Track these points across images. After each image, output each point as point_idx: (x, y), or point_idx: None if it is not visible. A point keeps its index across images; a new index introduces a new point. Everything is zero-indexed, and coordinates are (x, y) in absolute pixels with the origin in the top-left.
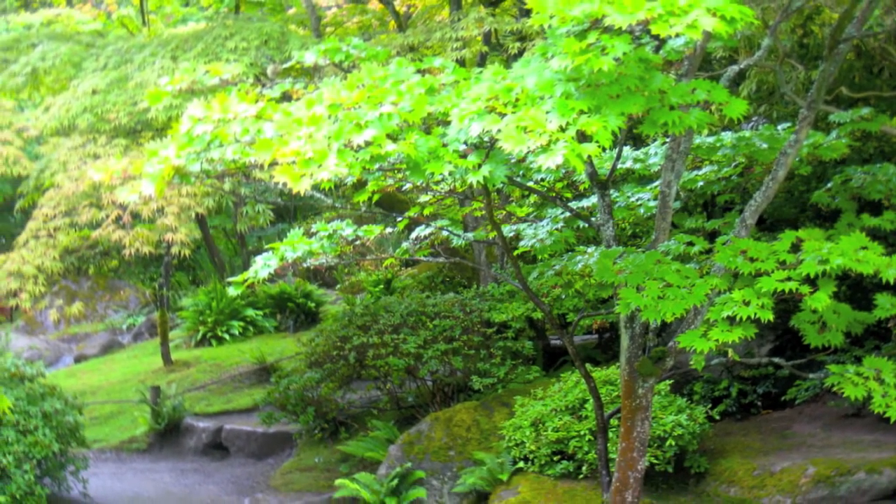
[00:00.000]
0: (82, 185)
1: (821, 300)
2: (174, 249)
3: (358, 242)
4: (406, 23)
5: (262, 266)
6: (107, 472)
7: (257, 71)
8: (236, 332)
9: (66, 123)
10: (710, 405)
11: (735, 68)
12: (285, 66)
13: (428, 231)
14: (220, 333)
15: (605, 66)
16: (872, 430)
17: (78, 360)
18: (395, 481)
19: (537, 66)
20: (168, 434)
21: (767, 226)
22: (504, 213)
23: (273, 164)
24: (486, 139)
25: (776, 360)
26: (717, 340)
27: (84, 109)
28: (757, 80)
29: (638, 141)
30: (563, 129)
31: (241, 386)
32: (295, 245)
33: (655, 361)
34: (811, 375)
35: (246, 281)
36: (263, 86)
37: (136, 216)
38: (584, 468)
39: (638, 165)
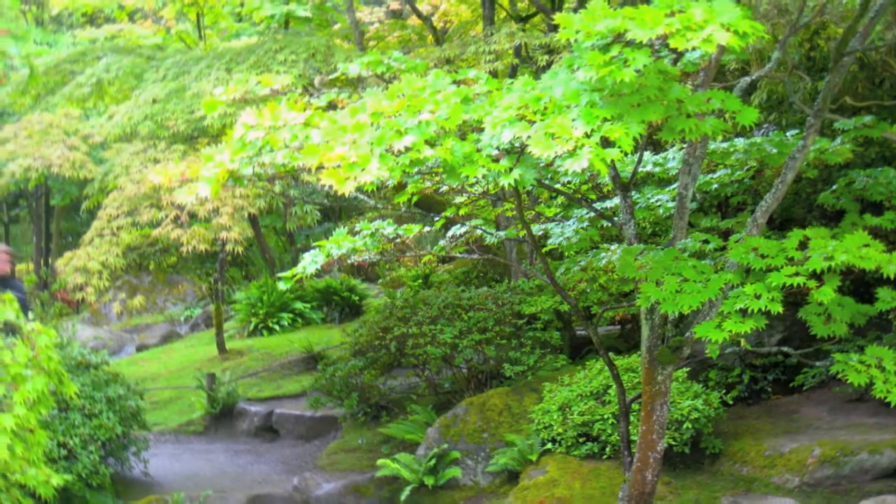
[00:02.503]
0: (143, 187)
1: (826, 294)
2: (228, 247)
3: (398, 240)
4: (443, 37)
5: (310, 262)
6: (166, 453)
7: (305, 82)
8: (286, 324)
9: (128, 130)
10: (724, 391)
11: (747, 79)
12: (331, 77)
13: (463, 230)
14: (270, 324)
15: (627, 77)
16: (874, 413)
17: (139, 349)
18: (433, 461)
19: (564, 78)
20: (223, 418)
21: (777, 225)
22: (533, 213)
23: (320, 167)
24: (516, 145)
25: (785, 349)
26: (730, 331)
27: (145, 117)
28: (767, 90)
29: (657, 146)
30: (588, 136)
31: (291, 373)
32: (340, 243)
33: (673, 350)
34: (817, 363)
35: (295, 276)
36: (311, 95)
37: (192, 216)
38: (607, 449)
39: (657, 169)
